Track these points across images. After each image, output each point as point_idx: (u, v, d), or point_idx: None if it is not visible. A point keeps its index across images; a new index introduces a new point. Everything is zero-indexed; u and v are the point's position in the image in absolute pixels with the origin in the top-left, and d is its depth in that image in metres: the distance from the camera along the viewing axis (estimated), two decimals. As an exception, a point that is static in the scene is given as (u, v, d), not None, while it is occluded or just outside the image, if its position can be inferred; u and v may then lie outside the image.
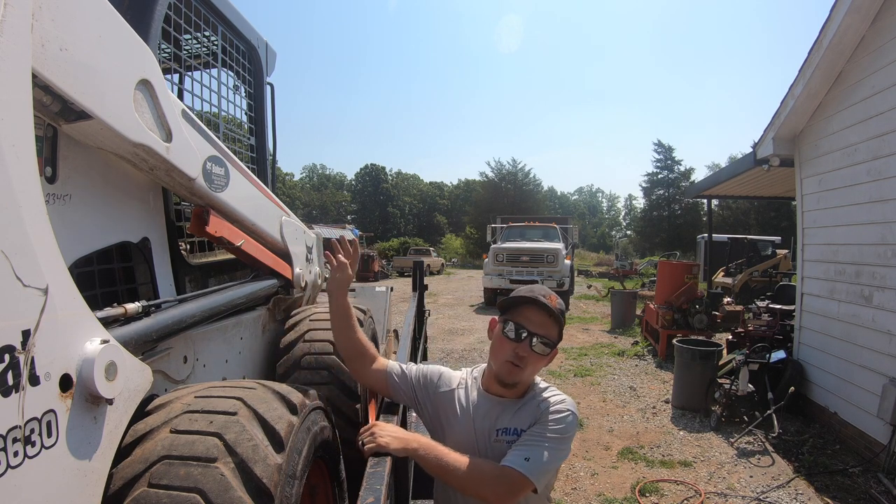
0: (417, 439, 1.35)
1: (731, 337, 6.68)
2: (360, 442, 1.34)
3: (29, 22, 1.02)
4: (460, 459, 1.30)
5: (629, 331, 10.29)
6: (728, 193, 10.80)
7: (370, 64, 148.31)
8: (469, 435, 1.45)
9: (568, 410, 1.42)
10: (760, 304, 7.52)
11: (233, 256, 2.39)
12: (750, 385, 5.12)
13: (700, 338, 6.39)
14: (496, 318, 1.51)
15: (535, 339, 1.39)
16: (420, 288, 4.36)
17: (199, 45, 2.65)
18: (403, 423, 1.71)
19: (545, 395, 1.48)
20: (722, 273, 15.24)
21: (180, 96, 2.32)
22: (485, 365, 1.56)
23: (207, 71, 2.61)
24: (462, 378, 1.59)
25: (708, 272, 14.58)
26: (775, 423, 4.71)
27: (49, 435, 0.98)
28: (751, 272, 13.89)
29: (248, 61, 2.93)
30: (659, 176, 49.84)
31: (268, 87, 3.13)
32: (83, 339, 1.11)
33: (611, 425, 5.24)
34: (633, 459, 4.39)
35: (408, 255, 29.23)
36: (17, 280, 0.92)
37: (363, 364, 1.59)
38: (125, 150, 1.52)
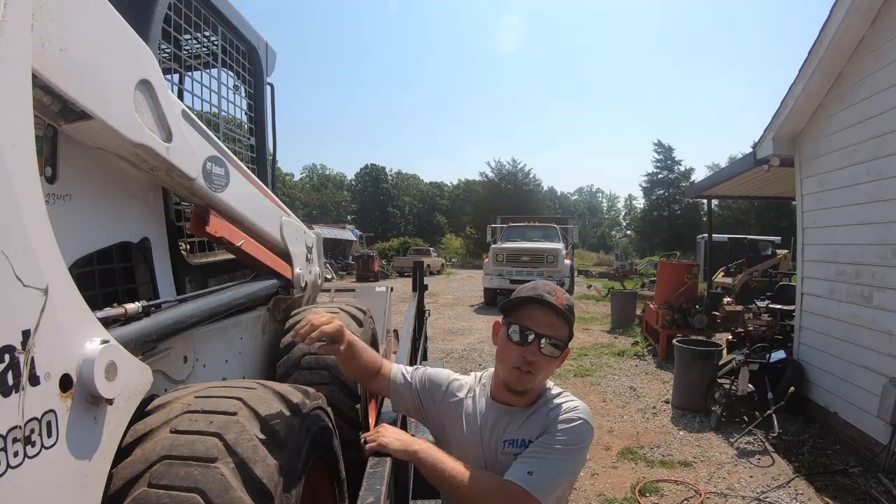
0: (419, 442, 1.31)
1: (731, 337, 6.67)
2: (363, 440, 1.32)
3: (29, 22, 1.02)
4: (458, 469, 1.23)
5: (629, 331, 10.29)
6: (728, 193, 10.79)
7: (371, 64, 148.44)
8: (477, 447, 1.37)
9: (580, 418, 1.30)
10: (760, 304, 7.52)
11: (233, 256, 2.39)
12: (750, 385, 5.12)
13: (700, 338, 6.39)
14: (500, 320, 1.41)
15: (543, 341, 1.29)
16: (420, 288, 4.36)
17: (199, 45, 2.64)
18: (403, 426, 1.70)
19: (556, 401, 1.37)
20: (722, 273, 15.23)
21: (180, 96, 2.32)
22: (493, 370, 1.46)
23: (207, 71, 2.61)
24: (471, 385, 1.49)
25: (708, 272, 14.57)
26: (775, 423, 4.70)
27: (49, 435, 0.98)
28: (751, 272, 13.86)
29: (248, 61, 2.93)
30: (659, 176, 49.84)
31: (268, 88, 3.13)
32: (83, 339, 1.11)
33: (611, 425, 5.23)
34: (633, 459, 4.39)
35: (408, 255, 29.22)
36: (17, 280, 0.92)
37: (371, 379, 1.52)
38: (125, 150, 1.53)
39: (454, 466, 1.24)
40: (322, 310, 2.81)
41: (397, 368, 1.53)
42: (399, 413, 1.55)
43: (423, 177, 77.08)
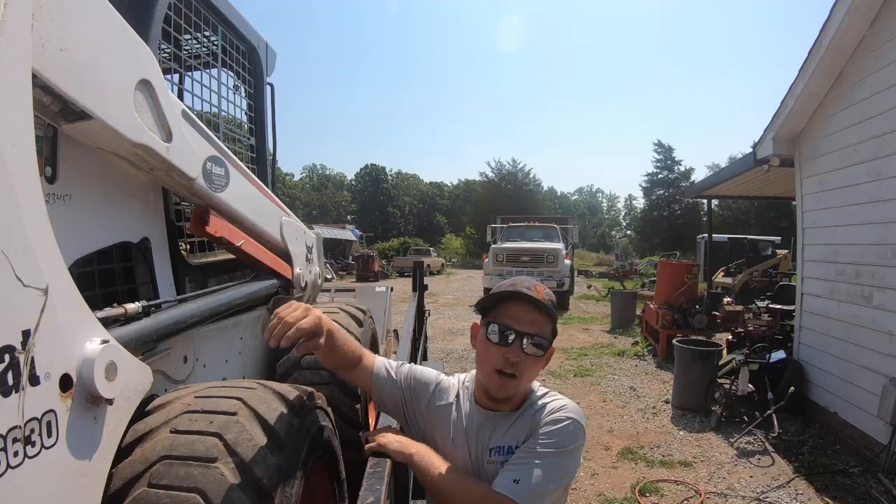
0: (417, 446, 1.28)
1: (731, 337, 6.68)
2: (364, 439, 1.31)
3: (29, 22, 1.02)
4: (448, 474, 1.19)
5: (629, 331, 10.29)
6: (728, 194, 10.80)
7: (371, 64, 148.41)
8: (465, 455, 1.30)
9: (567, 419, 1.23)
10: (760, 304, 7.53)
11: (233, 256, 2.39)
12: (750, 385, 5.12)
13: (700, 338, 6.39)
14: (478, 322, 1.33)
15: (525, 340, 1.21)
16: (420, 288, 4.36)
17: (199, 45, 2.64)
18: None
19: (542, 401, 1.30)
20: (722, 273, 15.23)
21: (180, 96, 2.32)
22: (475, 372, 1.38)
23: (207, 71, 2.61)
24: (457, 389, 1.41)
25: (708, 272, 14.57)
26: (775, 423, 4.71)
27: (49, 435, 0.98)
28: (751, 272, 13.87)
29: (248, 61, 2.93)
30: (659, 176, 49.87)
31: (268, 88, 3.12)
32: (83, 339, 1.11)
33: (611, 425, 5.24)
34: (633, 459, 4.39)
35: (408, 255, 29.23)
36: (17, 280, 0.92)
37: (350, 369, 1.41)
38: (125, 150, 1.52)
39: (445, 472, 1.19)
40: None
41: (381, 361, 1.44)
42: (380, 410, 1.47)
43: (423, 177, 77.22)
